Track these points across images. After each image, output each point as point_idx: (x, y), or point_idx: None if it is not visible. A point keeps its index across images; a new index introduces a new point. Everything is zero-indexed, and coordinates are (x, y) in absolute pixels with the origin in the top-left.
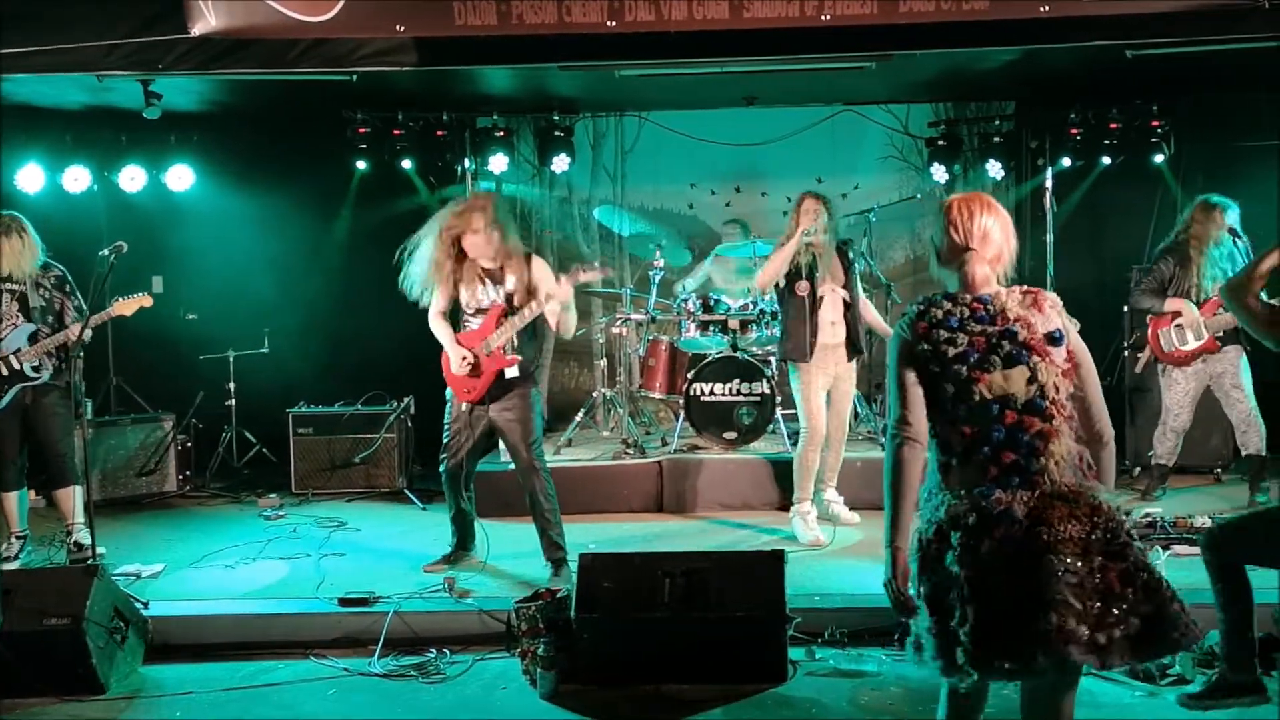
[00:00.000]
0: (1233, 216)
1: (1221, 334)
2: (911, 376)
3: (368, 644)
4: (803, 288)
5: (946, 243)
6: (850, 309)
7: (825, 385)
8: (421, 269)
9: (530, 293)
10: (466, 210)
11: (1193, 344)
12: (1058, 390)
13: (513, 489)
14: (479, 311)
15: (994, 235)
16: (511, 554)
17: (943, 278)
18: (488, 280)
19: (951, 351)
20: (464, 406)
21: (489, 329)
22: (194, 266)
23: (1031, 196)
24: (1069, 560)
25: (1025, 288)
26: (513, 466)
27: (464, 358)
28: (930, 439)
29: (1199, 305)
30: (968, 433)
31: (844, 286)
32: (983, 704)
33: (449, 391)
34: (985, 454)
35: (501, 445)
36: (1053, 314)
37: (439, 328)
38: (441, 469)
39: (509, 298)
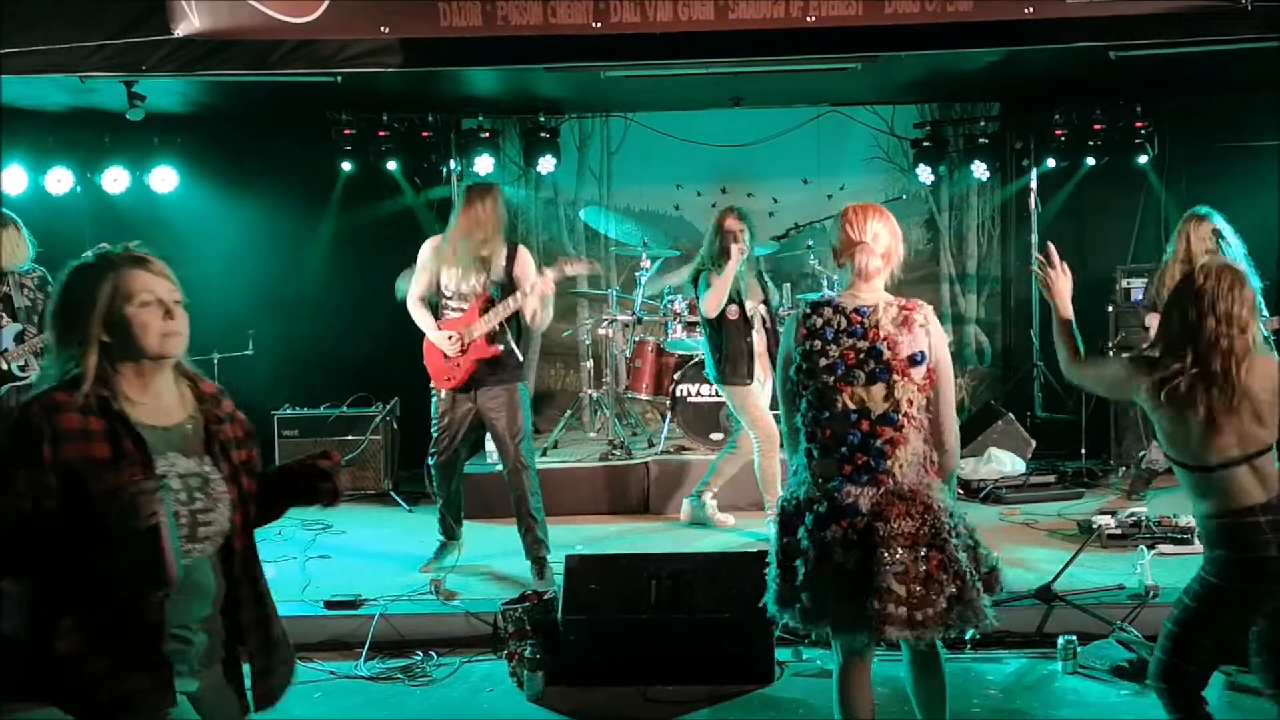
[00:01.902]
0: (1214, 226)
1: None
2: (790, 382)
3: (354, 647)
4: (733, 311)
5: (842, 239)
6: (773, 321)
7: (761, 392)
8: (425, 257)
9: (514, 283)
10: (490, 196)
11: None
12: (911, 404)
13: (497, 491)
14: (459, 297)
15: (883, 236)
16: (498, 555)
17: (840, 274)
18: (473, 267)
19: (823, 362)
20: (445, 395)
21: (472, 317)
22: (178, 268)
23: (1016, 197)
24: (898, 553)
25: (903, 301)
26: (498, 468)
27: (450, 337)
28: (801, 427)
29: None
30: (828, 433)
31: (763, 303)
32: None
33: (434, 386)
34: (842, 454)
35: (489, 445)
36: (920, 334)
37: (419, 313)
38: (430, 462)
39: (495, 286)
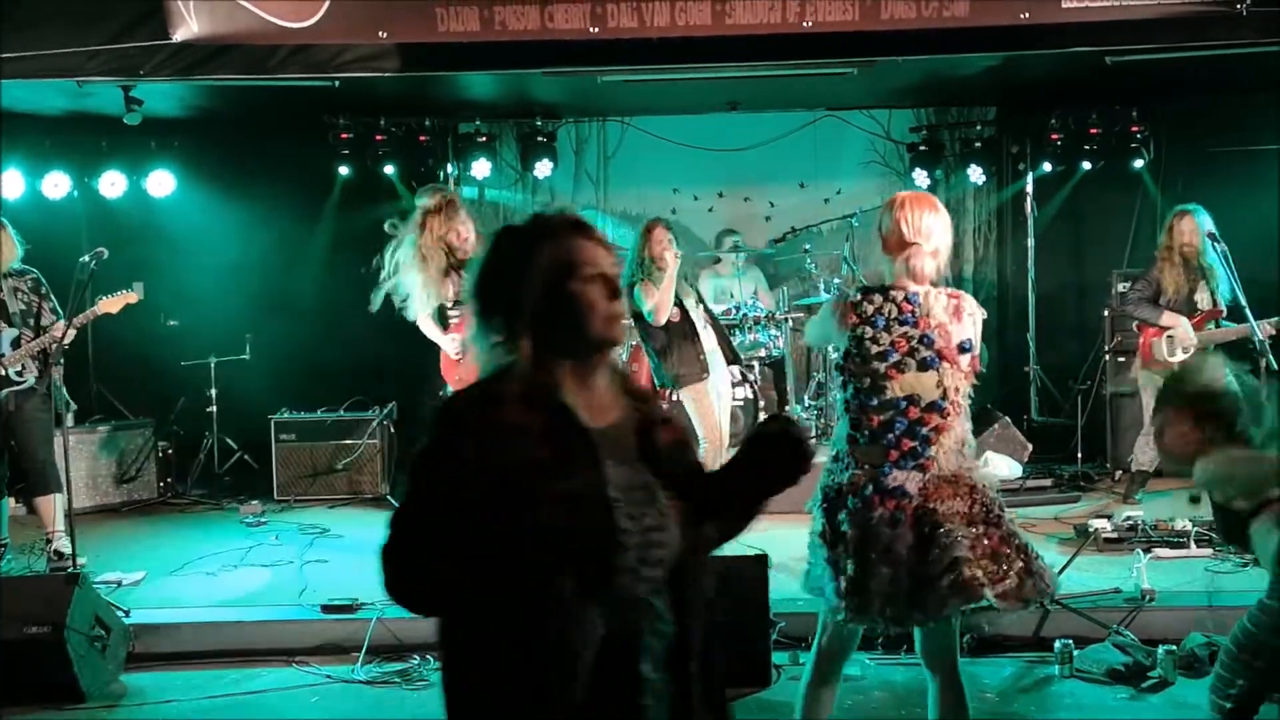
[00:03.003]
0: (1196, 221)
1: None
2: (836, 367)
3: (351, 651)
4: (675, 314)
5: (895, 235)
6: (713, 317)
7: (716, 396)
8: (416, 279)
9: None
10: (445, 209)
11: (1181, 356)
12: (958, 391)
13: None
14: (459, 304)
15: (937, 233)
16: None
17: (883, 266)
18: (461, 272)
19: (875, 349)
20: None
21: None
22: (175, 272)
23: (1012, 201)
24: (960, 529)
25: (950, 291)
26: None
27: (453, 339)
28: (844, 413)
29: (1190, 317)
30: (876, 420)
31: (699, 303)
32: (852, 646)
33: (447, 389)
34: (889, 440)
35: None
36: (968, 323)
37: (428, 327)
38: None
39: None
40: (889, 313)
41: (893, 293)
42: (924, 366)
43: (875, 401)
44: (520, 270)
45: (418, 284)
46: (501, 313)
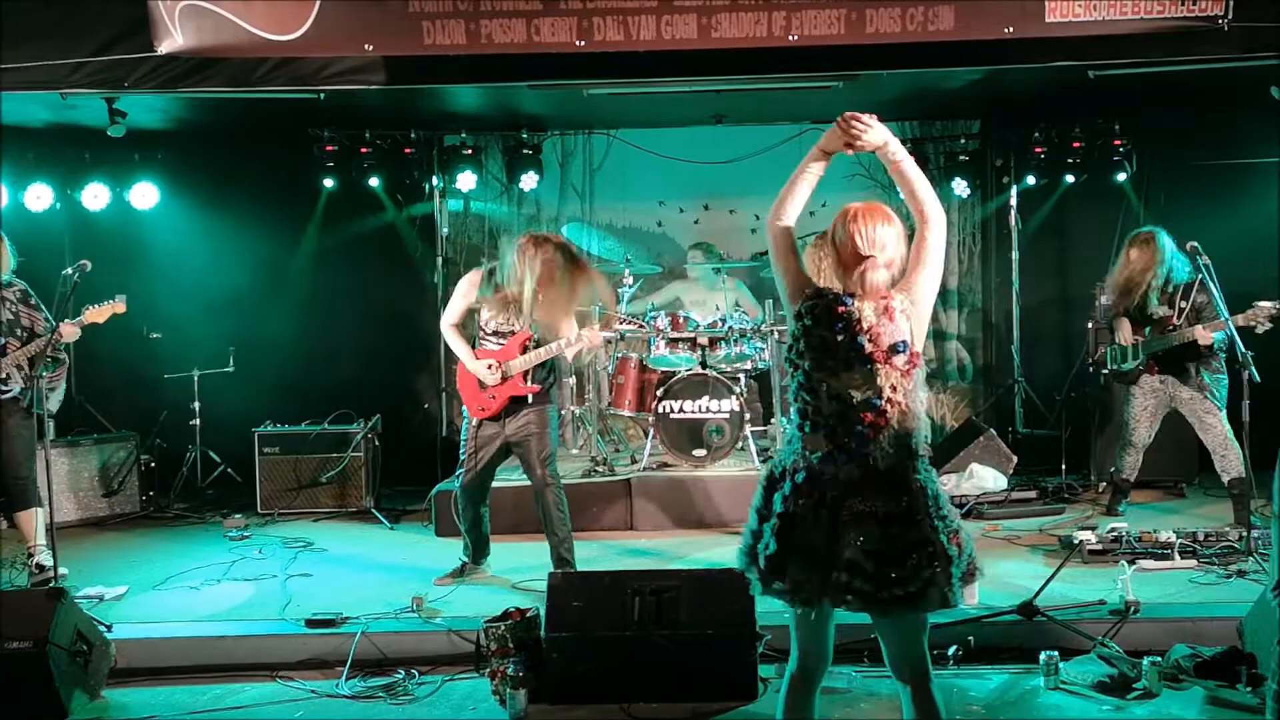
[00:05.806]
0: (1155, 247)
1: (1163, 356)
2: (788, 362)
3: (335, 665)
4: None
5: (850, 249)
6: None
7: None
8: (469, 281)
9: (554, 329)
10: (559, 248)
11: (1129, 365)
12: (895, 390)
13: (494, 506)
14: (498, 334)
15: (890, 246)
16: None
17: (837, 278)
18: (514, 307)
19: (809, 351)
20: (474, 422)
21: (511, 353)
22: (158, 285)
23: (996, 214)
24: (866, 529)
25: (880, 292)
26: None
27: (490, 366)
28: (793, 400)
29: (1149, 328)
30: (815, 412)
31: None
32: (825, 632)
33: (465, 411)
34: (828, 431)
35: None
36: (900, 320)
37: (455, 339)
38: (457, 485)
39: (536, 327)
40: (822, 315)
41: (830, 297)
42: (851, 367)
43: (810, 399)
44: None
45: (469, 285)
46: None
